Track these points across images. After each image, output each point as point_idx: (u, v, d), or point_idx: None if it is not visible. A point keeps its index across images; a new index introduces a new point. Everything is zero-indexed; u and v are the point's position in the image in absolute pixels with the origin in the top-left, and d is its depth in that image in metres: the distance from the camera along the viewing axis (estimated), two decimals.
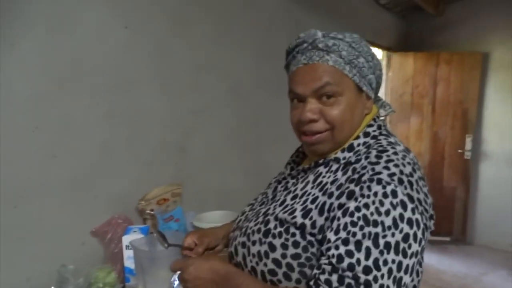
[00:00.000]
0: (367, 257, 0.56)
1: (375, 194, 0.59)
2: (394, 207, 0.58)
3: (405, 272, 0.57)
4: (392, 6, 3.38)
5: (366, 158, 0.66)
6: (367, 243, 0.57)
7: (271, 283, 0.66)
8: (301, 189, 0.73)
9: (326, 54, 0.69)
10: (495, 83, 3.31)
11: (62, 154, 1.22)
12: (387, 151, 0.66)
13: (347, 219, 0.59)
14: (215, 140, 1.80)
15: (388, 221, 0.57)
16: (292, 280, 0.64)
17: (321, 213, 0.65)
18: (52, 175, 1.20)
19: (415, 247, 0.59)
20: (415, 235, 0.59)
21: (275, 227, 0.68)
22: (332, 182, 0.68)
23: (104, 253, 1.30)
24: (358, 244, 0.57)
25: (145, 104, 1.47)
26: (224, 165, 1.87)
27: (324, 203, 0.65)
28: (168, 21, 1.53)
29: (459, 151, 3.37)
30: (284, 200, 0.73)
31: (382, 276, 0.55)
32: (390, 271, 0.56)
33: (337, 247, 0.58)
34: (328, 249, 0.59)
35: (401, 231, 0.57)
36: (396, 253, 0.57)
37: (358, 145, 0.71)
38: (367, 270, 0.55)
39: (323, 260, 0.59)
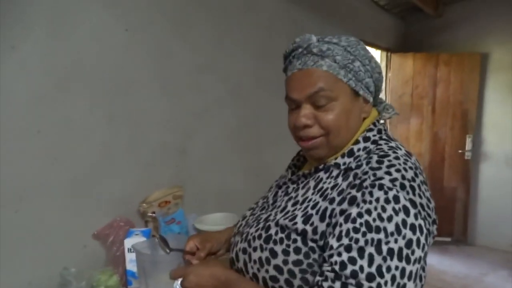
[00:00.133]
0: (370, 264, 0.56)
1: (377, 200, 0.59)
2: (397, 212, 0.58)
3: (409, 279, 0.57)
4: (391, 7, 3.38)
5: (367, 163, 0.65)
6: (370, 249, 0.56)
7: None
8: (302, 195, 0.73)
9: (321, 59, 0.69)
10: (495, 84, 3.31)
11: (63, 157, 1.22)
12: (388, 156, 0.65)
13: (349, 225, 0.59)
14: (216, 141, 1.80)
15: (390, 227, 0.57)
16: (294, 286, 0.64)
17: (322, 219, 0.64)
18: (53, 178, 1.19)
19: (418, 253, 0.58)
20: (418, 240, 0.58)
21: (276, 233, 0.67)
22: (333, 188, 0.67)
23: (106, 256, 1.30)
24: (361, 251, 0.57)
25: (146, 105, 1.47)
26: (224, 166, 1.87)
27: (326, 209, 0.65)
28: (168, 22, 1.53)
29: (459, 151, 3.37)
30: (285, 206, 0.73)
31: (386, 283, 0.55)
32: (393, 278, 0.55)
33: (339, 254, 0.58)
34: (331, 255, 0.59)
35: (404, 237, 0.57)
36: (399, 259, 0.56)
37: (358, 150, 0.70)
38: (370, 277, 0.55)
39: (326, 267, 0.59)
